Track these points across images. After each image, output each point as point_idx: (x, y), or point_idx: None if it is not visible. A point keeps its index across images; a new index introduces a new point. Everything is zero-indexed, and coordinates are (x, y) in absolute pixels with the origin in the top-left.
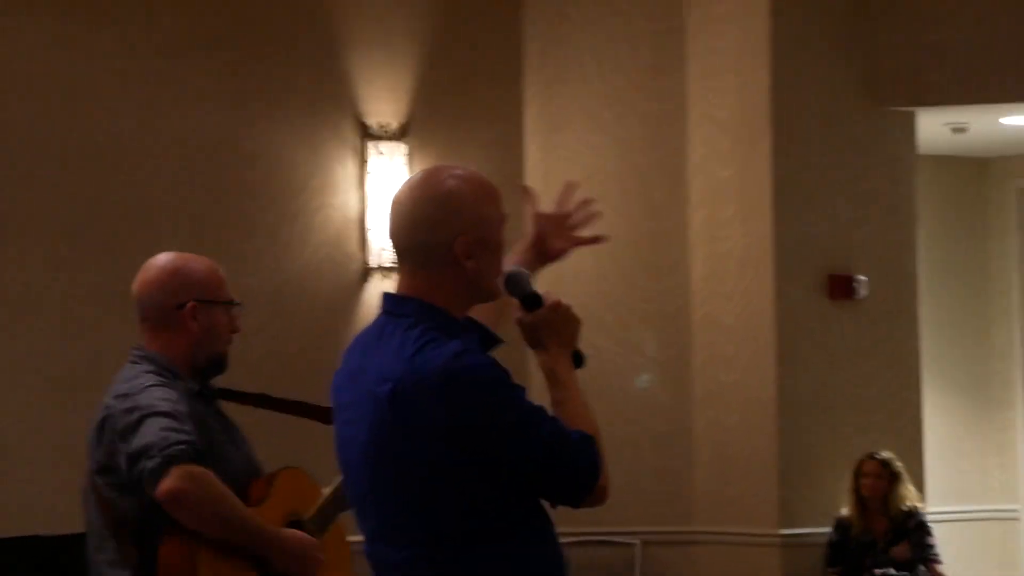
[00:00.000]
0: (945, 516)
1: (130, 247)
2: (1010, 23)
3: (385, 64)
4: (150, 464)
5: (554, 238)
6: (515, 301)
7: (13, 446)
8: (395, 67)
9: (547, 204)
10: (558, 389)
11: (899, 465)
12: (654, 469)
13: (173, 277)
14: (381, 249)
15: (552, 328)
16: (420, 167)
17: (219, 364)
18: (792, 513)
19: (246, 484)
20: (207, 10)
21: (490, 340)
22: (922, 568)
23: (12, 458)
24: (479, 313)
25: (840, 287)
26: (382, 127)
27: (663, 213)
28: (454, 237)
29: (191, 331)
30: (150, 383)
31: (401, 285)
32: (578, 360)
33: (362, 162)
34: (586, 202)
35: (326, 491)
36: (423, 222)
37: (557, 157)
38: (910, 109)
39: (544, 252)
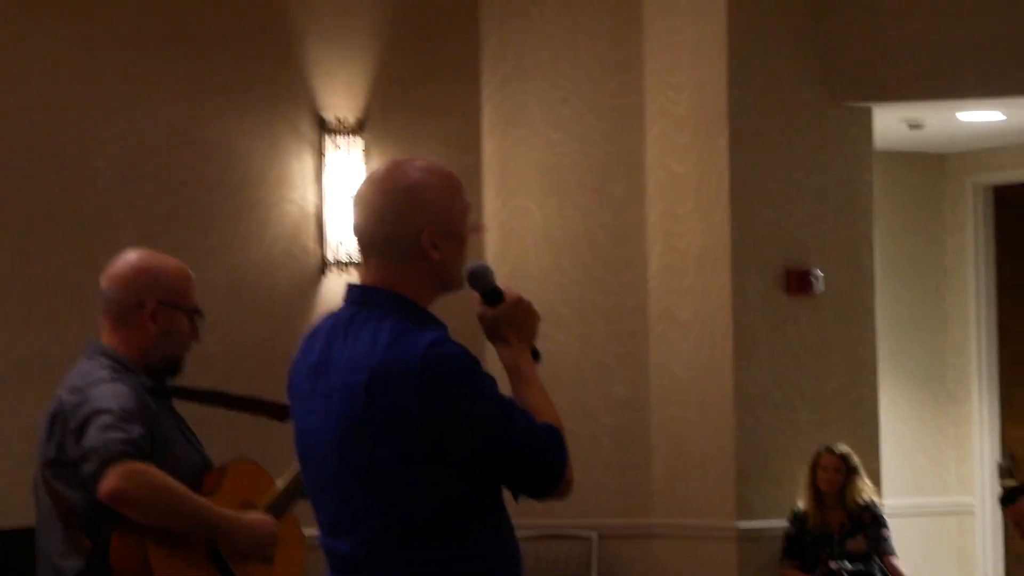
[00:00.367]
0: (902, 510)
1: (86, 240)
2: (967, 19)
3: (343, 58)
4: (89, 467)
5: None
6: (477, 296)
7: None
8: (353, 61)
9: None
10: (521, 384)
11: (856, 459)
12: (611, 463)
13: (139, 275)
14: (338, 243)
15: (514, 323)
16: (377, 162)
17: (173, 367)
18: (749, 507)
19: (200, 478)
20: (164, 3)
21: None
22: (877, 560)
23: None
24: None
25: (797, 282)
26: (339, 121)
27: (620, 208)
28: (420, 229)
29: (148, 331)
30: (102, 378)
31: (367, 278)
32: (535, 356)
33: (319, 156)
34: None
35: (279, 482)
36: (389, 214)
37: (514, 152)
38: (867, 105)
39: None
